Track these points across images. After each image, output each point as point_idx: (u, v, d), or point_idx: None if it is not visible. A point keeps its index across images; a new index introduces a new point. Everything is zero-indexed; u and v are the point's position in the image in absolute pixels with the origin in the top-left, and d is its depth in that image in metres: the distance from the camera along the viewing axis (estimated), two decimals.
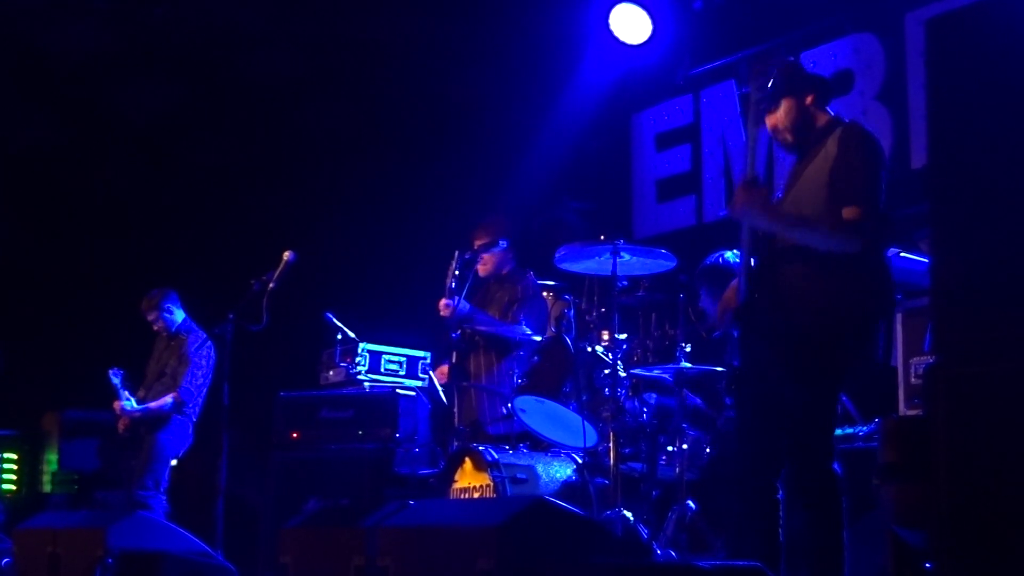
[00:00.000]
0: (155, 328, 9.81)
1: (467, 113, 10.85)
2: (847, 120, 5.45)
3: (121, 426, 9.50)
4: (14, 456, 11.53)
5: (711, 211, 10.00)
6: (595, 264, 7.03)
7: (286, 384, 9.11)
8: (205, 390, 9.48)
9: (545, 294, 7.94)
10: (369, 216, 11.17)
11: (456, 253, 7.83)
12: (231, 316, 8.10)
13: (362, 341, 9.31)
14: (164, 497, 9.34)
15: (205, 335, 9.49)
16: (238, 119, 11.30)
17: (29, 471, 11.52)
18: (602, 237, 6.88)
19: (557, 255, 7.06)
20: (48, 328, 11.60)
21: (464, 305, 7.72)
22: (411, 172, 11.11)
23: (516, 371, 7.34)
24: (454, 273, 7.75)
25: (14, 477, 11.52)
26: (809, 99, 5.44)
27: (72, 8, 10.58)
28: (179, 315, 9.81)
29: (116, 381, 9.48)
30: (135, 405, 9.42)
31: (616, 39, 10.18)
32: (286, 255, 8.19)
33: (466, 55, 10.71)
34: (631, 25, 10.11)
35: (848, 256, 5.08)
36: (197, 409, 9.49)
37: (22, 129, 10.76)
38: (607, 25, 10.14)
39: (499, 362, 7.87)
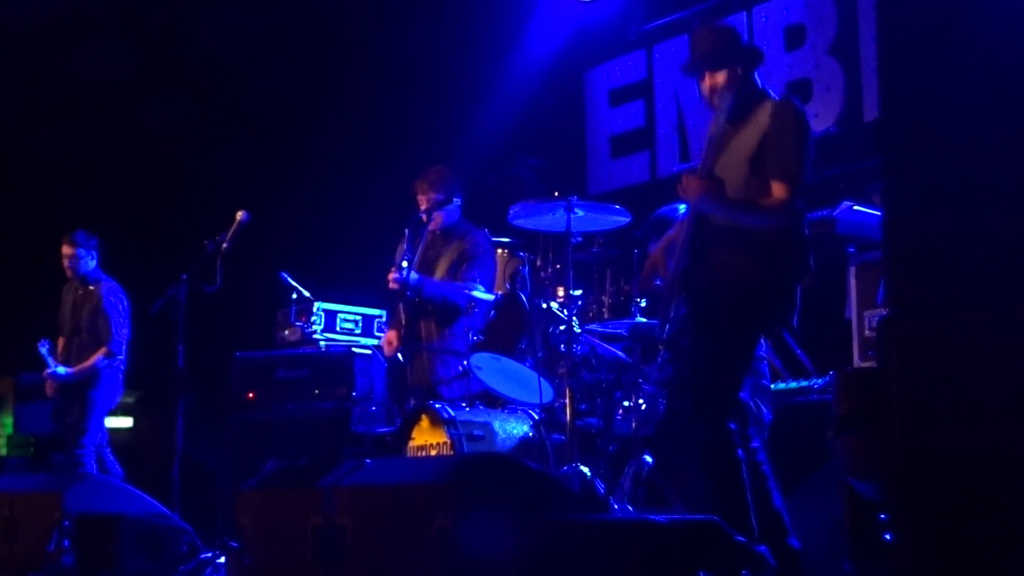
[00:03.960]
0: (65, 264, 9.67)
1: (420, 71, 10.81)
2: (778, 96, 5.53)
3: (49, 390, 9.51)
4: None
5: (665, 167, 10.00)
6: (549, 220, 7.01)
7: (242, 344, 9.08)
8: (128, 337, 9.48)
9: (499, 251, 7.90)
10: (322, 175, 11.13)
11: (407, 232, 7.77)
12: (184, 277, 8.05)
13: (317, 300, 9.29)
14: (108, 449, 9.38)
15: (117, 284, 9.49)
16: (189, 79, 11.23)
17: None
18: (556, 193, 6.84)
19: (511, 212, 7.03)
20: (0, 292, 11.52)
21: (414, 277, 7.67)
22: (364, 131, 11.07)
23: (471, 329, 7.33)
24: (403, 247, 7.72)
25: None
26: (741, 70, 5.52)
27: None
28: (91, 263, 9.70)
29: (44, 351, 9.48)
30: (65, 370, 9.42)
31: None
32: (239, 215, 8.14)
33: (418, 12, 10.66)
34: None
35: (769, 231, 5.26)
36: (124, 359, 9.49)
37: None
38: None
39: (450, 325, 7.82)
